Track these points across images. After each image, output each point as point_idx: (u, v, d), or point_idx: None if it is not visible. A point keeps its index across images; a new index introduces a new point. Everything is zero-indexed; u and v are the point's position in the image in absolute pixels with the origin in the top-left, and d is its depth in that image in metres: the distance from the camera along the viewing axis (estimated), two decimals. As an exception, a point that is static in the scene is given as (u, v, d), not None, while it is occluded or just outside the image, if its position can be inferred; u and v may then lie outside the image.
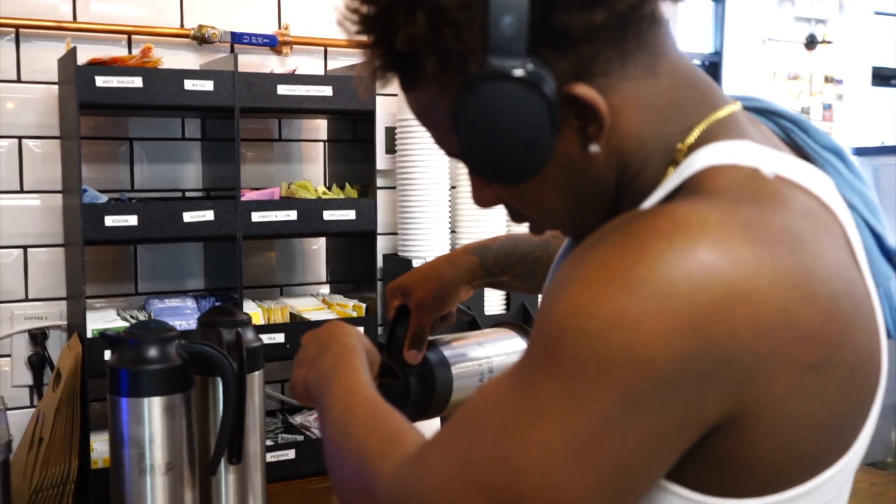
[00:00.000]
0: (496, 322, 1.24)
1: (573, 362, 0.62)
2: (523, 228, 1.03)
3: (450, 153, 0.80)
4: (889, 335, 0.75)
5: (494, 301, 2.01)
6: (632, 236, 0.64)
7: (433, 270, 1.14)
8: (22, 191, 1.85)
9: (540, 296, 1.03)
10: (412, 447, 0.72)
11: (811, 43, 3.82)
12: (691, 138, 0.73)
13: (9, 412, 1.68)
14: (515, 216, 0.83)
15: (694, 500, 0.68)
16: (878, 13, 4.07)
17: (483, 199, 0.81)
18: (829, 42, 3.84)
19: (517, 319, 1.71)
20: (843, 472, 0.71)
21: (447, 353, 1.10)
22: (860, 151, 3.53)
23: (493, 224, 2.05)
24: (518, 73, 0.68)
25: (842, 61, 3.92)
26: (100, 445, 1.65)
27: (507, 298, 2.04)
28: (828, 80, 3.93)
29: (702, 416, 0.63)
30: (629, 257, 0.62)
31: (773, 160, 0.71)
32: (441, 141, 0.80)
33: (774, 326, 0.62)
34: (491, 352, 1.14)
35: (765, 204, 0.67)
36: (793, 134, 0.81)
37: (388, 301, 1.16)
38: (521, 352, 1.14)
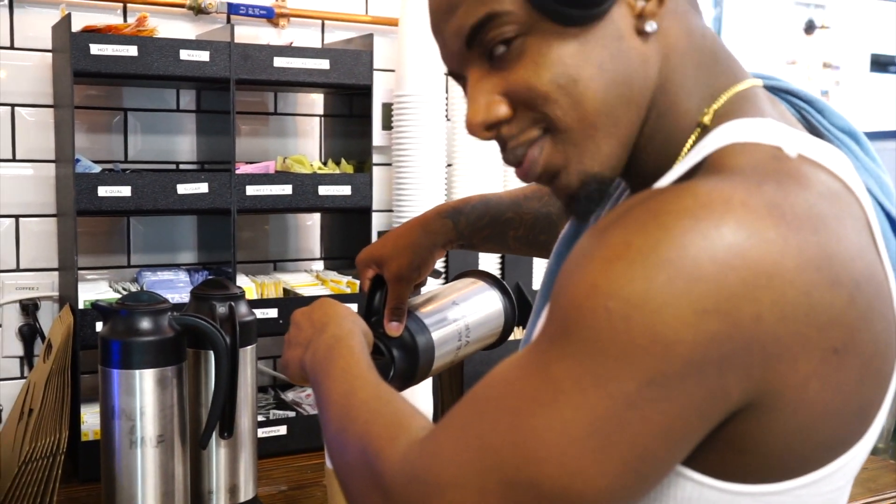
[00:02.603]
0: (461, 272, 1.23)
1: (594, 342, 0.60)
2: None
3: (473, 31, 0.73)
4: None
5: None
6: (654, 214, 0.62)
7: (407, 237, 1.11)
8: (14, 159, 1.82)
9: (544, 259, 1.02)
10: (421, 431, 0.70)
11: (810, 28, 3.80)
12: (718, 103, 0.73)
13: (-2, 382, 1.67)
14: (523, 131, 0.75)
15: (709, 484, 0.67)
16: (877, -1, 4.06)
17: (490, 112, 0.74)
18: (827, 27, 3.82)
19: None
20: (857, 458, 0.70)
21: (426, 319, 1.09)
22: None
23: (489, 202, 2.04)
24: None
25: (840, 47, 3.91)
26: (90, 417, 1.64)
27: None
28: (825, 65, 3.91)
29: (724, 400, 0.62)
30: (652, 236, 0.60)
31: (795, 139, 0.70)
32: (468, 12, 0.72)
33: (798, 310, 0.61)
34: (466, 310, 1.13)
35: (788, 183, 0.65)
36: (807, 114, 0.80)
37: (361, 272, 1.14)
38: (495, 304, 1.15)
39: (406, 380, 1.08)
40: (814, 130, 0.79)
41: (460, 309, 1.13)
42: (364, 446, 0.73)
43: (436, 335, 1.09)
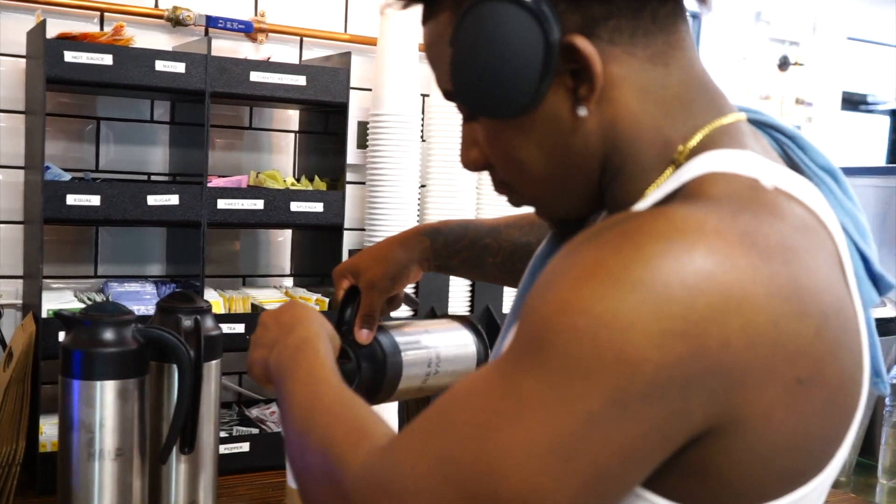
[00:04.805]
0: (443, 314, 1.24)
1: (561, 360, 0.61)
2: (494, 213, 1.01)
3: (446, 94, 0.80)
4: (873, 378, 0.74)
5: (458, 301, 2.00)
6: (628, 236, 0.63)
7: (384, 251, 1.13)
8: (-18, 165, 1.80)
9: (512, 288, 1.02)
10: (383, 438, 0.70)
11: (784, 64, 3.85)
12: (693, 141, 0.73)
13: (-44, 390, 1.64)
14: (497, 184, 0.83)
15: None
16: (850, 38, 4.12)
17: (469, 158, 0.83)
18: (800, 64, 3.87)
19: (481, 321, 1.69)
20: (818, 490, 0.71)
21: (398, 338, 1.09)
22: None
23: (461, 225, 2.04)
24: None
25: (813, 84, 3.96)
26: (49, 428, 1.62)
27: (472, 299, 2.03)
28: (798, 101, 3.96)
29: (687, 424, 0.62)
30: (625, 257, 0.61)
31: (772, 172, 0.71)
32: (440, 78, 0.80)
33: (765, 338, 0.62)
34: (440, 341, 1.14)
35: (763, 214, 0.66)
36: (789, 150, 0.81)
37: (336, 282, 1.14)
38: (469, 346, 1.15)
39: (370, 393, 1.07)
40: (794, 166, 0.80)
41: (433, 338, 1.13)
42: (325, 450, 0.72)
43: (405, 355, 1.09)
